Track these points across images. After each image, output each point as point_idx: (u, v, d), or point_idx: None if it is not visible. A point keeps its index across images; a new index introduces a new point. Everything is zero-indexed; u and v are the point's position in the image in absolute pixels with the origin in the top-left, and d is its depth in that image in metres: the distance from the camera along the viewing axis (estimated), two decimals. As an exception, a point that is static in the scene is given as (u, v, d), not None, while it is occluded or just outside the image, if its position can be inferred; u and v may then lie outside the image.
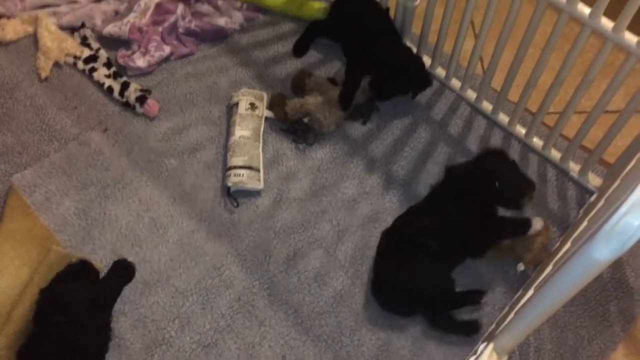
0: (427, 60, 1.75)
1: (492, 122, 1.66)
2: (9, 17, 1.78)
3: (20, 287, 1.34)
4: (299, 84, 1.64)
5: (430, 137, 1.63)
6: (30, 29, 1.78)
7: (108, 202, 1.50)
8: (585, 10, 1.26)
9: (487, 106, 1.66)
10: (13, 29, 1.76)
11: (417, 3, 1.66)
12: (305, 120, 1.57)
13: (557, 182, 1.56)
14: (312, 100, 1.56)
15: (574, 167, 1.56)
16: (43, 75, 1.70)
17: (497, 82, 1.63)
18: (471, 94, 1.69)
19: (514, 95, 1.61)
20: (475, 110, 1.69)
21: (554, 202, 1.53)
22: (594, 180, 1.53)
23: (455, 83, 1.71)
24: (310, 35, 1.78)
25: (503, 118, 1.64)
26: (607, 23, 1.24)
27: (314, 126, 1.57)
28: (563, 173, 1.57)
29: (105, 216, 1.48)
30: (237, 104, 1.62)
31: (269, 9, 1.86)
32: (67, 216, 1.47)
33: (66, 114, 1.65)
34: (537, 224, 1.36)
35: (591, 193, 1.53)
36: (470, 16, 1.52)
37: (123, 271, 1.37)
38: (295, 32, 1.83)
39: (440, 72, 1.73)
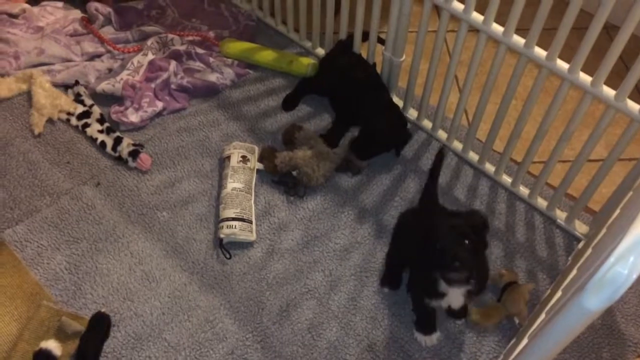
0: (413, 113, 1.80)
1: (479, 172, 1.70)
2: (3, 76, 1.82)
3: (9, 344, 1.32)
4: (289, 138, 1.68)
5: (419, 187, 1.66)
6: (24, 87, 1.81)
7: (100, 256, 1.50)
8: (564, 65, 1.32)
9: (473, 156, 1.71)
10: (7, 87, 1.80)
11: (402, 59, 1.73)
12: (295, 173, 1.60)
13: (545, 230, 1.59)
14: (301, 154, 1.59)
15: (560, 215, 1.59)
16: (36, 131, 1.72)
17: (482, 133, 1.68)
18: (457, 145, 1.73)
19: (499, 145, 1.66)
20: (462, 160, 1.73)
21: (542, 249, 1.56)
22: (580, 228, 1.56)
23: (442, 134, 1.76)
24: (299, 91, 1.83)
25: (489, 167, 1.68)
26: (585, 78, 1.30)
27: (303, 179, 1.59)
28: (550, 221, 1.61)
29: (97, 270, 1.47)
30: (229, 157, 1.65)
31: (260, 66, 1.91)
32: (58, 271, 1.46)
33: (59, 169, 1.66)
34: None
35: (579, 240, 1.56)
36: (455, 71, 1.58)
37: (99, 324, 1.35)
38: (285, 87, 1.88)
39: (427, 124, 1.79)
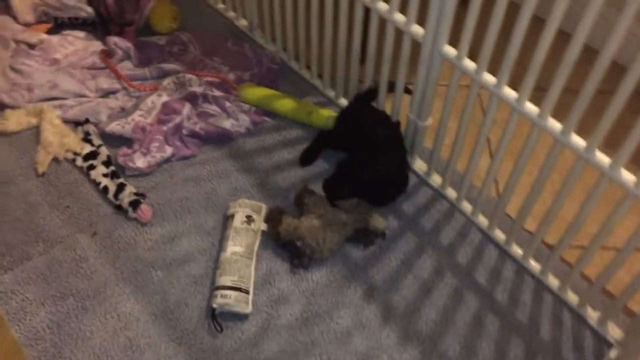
0: (436, 179, 1.66)
1: (505, 253, 1.54)
2: (14, 108, 1.76)
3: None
4: (300, 201, 1.56)
5: (436, 265, 1.52)
6: (34, 121, 1.75)
7: (85, 316, 1.40)
8: (605, 159, 1.15)
9: (499, 235, 1.55)
10: (16, 120, 1.74)
11: (427, 123, 1.58)
12: (299, 244, 1.48)
13: (573, 329, 1.42)
14: (307, 224, 1.47)
15: (592, 314, 1.41)
16: (40, 170, 1.66)
17: (512, 207, 1.52)
18: (483, 220, 1.58)
19: (530, 223, 1.49)
20: (487, 238, 1.57)
21: (568, 351, 1.38)
22: (614, 331, 1.38)
23: (467, 206, 1.61)
24: (318, 145, 1.71)
25: (516, 250, 1.52)
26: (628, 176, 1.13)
27: (307, 251, 1.47)
28: (580, 319, 1.43)
29: (80, 332, 1.38)
30: (232, 216, 1.54)
31: (277, 114, 1.81)
32: (39, 329, 1.38)
33: (57, 213, 1.59)
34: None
35: (610, 345, 1.38)
36: (487, 132, 1.42)
37: None
38: (302, 139, 1.77)
39: (451, 192, 1.64)
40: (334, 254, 1.52)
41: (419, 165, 1.70)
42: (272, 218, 1.54)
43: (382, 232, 1.54)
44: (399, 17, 1.44)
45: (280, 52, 1.96)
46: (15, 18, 1.97)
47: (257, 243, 1.52)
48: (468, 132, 1.49)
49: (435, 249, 1.55)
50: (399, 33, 1.48)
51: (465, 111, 1.42)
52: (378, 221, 1.53)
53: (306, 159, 1.70)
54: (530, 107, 1.24)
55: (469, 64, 1.33)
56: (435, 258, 1.53)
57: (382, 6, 1.46)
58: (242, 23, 2.07)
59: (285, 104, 1.78)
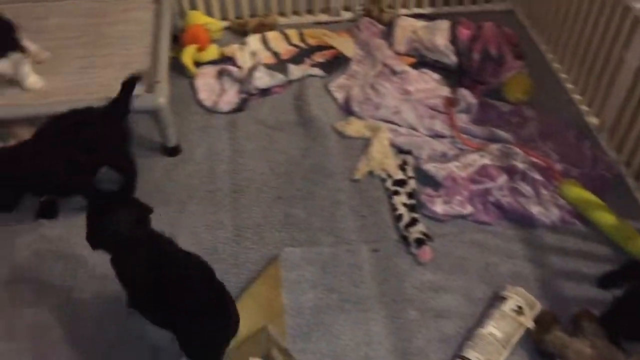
0: None
1: None
2: (358, 117, 2.01)
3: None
4: (578, 321, 1.44)
5: None
6: (367, 134, 1.97)
7: (340, 316, 1.53)
8: None
9: None
10: (355, 128, 1.98)
11: None
12: (558, 360, 1.38)
13: None
14: (576, 348, 1.35)
15: None
16: (357, 176, 1.85)
17: None
18: None
19: None
20: None
21: None
22: None
23: None
24: (625, 274, 1.55)
25: None
26: None
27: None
28: None
29: (331, 327, 1.50)
30: (504, 299, 1.51)
31: (591, 223, 1.70)
32: (303, 306, 1.54)
33: (354, 217, 1.76)
34: None
35: None
36: None
37: None
38: (607, 259, 1.63)
39: None
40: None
41: None
42: (543, 321, 1.46)
43: None
44: None
45: (621, 165, 1.84)
46: (390, 45, 2.23)
47: (517, 337, 1.46)
48: None
49: None
50: None
51: None
52: None
53: (607, 283, 1.57)
54: None
55: None
56: None
57: None
58: (592, 120, 1.99)
59: (605, 218, 1.66)
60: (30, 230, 1.71)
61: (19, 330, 1.50)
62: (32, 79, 1.76)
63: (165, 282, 1.25)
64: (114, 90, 1.69)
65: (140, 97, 1.75)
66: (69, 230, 1.70)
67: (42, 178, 1.58)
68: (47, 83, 1.81)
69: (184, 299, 1.25)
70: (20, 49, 1.70)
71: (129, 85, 1.69)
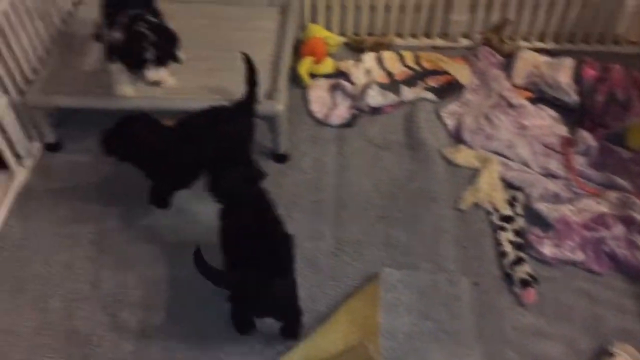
0: None
1: None
2: (469, 146, 1.98)
3: (328, 354, 1.45)
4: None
5: None
6: (476, 164, 1.93)
7: (434, 345, 1.50)
8: None
9: None
10: (465, 157, 1.95)
11: None
12: None
13: None
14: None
15: None
16: (462, 206, 1.83)
17: None
18: None
19: None
20: None
21: None
22: None
23: None
24: None
25: None
26: None
27: None
28: None
29: (421, 355, 1.48)
30: (612, 355, 1.43)
31: None
32: (399, 330, 1.52)
33: (454, 247, 1.73)
34: None
35: None
36: None
37: None
38: None
39: None
40: None
41: None
42: (655, 386, 1.38)
43: None
44: None
45: None
46: (508, 76, 2.19)
47: (624, 398, 1.38)
48: None
49: None
50: None
51: None
52: None
53: None
54: None
55: None
56: None
57: None
58: None
59: None
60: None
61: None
62: (171, 81, 1.84)
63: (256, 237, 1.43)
64: (236, 93, 1.76)
65: (260, 102, 1.81)
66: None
67: (186, 166, 1.71)
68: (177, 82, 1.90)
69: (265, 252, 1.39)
70: (177, 59, 1.79)
71: (252, 78, 1.76)
